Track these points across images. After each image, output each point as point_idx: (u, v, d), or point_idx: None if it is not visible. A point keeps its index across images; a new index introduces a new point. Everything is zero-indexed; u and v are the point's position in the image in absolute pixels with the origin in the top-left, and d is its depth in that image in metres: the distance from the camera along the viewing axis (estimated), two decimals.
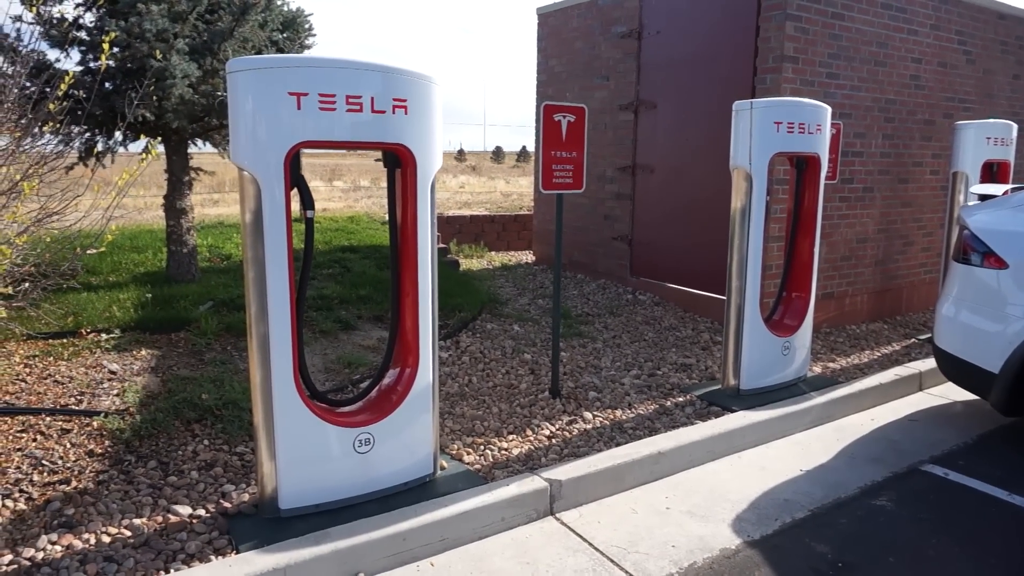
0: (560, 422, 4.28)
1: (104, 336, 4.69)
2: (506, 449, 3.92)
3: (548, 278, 8.15)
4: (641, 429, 4.25)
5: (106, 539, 2.94)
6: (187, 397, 3.93)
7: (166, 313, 5.08)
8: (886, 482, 3.94)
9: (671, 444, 3.98)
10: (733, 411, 4.53)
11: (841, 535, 3.38)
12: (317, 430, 3.13)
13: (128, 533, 2.98)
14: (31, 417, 3.68)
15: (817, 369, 5.45)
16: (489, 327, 5.89)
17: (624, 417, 4.41)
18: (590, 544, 3.27)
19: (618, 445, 4.00)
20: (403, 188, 3.34)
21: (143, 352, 4.60)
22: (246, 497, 3.26)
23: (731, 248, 4.70)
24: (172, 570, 2.78)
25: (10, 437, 3.52)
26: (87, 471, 3.35)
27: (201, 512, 3.15)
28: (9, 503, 3.09)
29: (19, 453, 3.40)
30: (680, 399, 4.74)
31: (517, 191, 22.34)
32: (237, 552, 2.90)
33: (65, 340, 4.60)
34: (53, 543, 2.89)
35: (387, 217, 12.57)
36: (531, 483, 3.49)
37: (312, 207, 3.15)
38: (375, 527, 3.07)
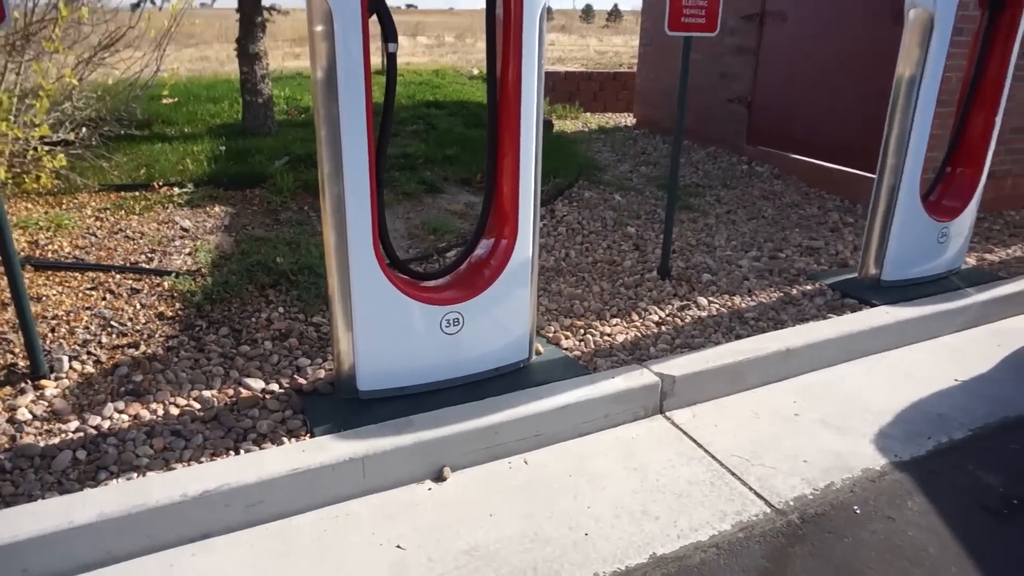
0: (670, 307, 3.77)
1: (176, 190, 4.38)
2: (609, 335, 3.46)
3: (650, 143, 7.37)
4: (764, 320, 3.69)
5: (174, 411, 2.69)
6: (261, 260, 3.61)
7: (240, 168, 4.72)
8: None
9: (801, 340, 3.42)
10: (873, 305, 3.89)
11: (1015, 465, 2.82)
12: (399, 306, 2.73)
13: (197, 406, 2.73)
14: (101, 274, 3.43)
15: (971, 261, 4.67)
16: (587, 195, 5.30)
17: (744, 305, 3.85)
18: (706, 451, 2.84)
19: (738, 338, 3.47)
20: (506, 21, 2.71)
21: (216, 209, 4.29)
22: (322, 373, 2.95)
23: (891, 116, 3.85)
24: (242, 450, 2.52)
25: (79, 294, 3.30)
26: (156, 335, 3.10)
27: (274, 387, 2.87)
28: (76, 365, 2.88)
29: (88, 312, 3.17)
30: (808, 287, 4.11)
31: (612, 49, 20.80)
32: (311, 435, 2.61)
33: (137, 193, 4.32)
34: (120, 411, 2.67)
35: (474, 72, 11.72)
36: (639, 376, 3.04)
37: (395, 39, 2.57)
38: (463, 417, 2.72)
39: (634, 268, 4.20)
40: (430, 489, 2.58)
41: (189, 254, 3.70)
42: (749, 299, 3.93)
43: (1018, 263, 4.67)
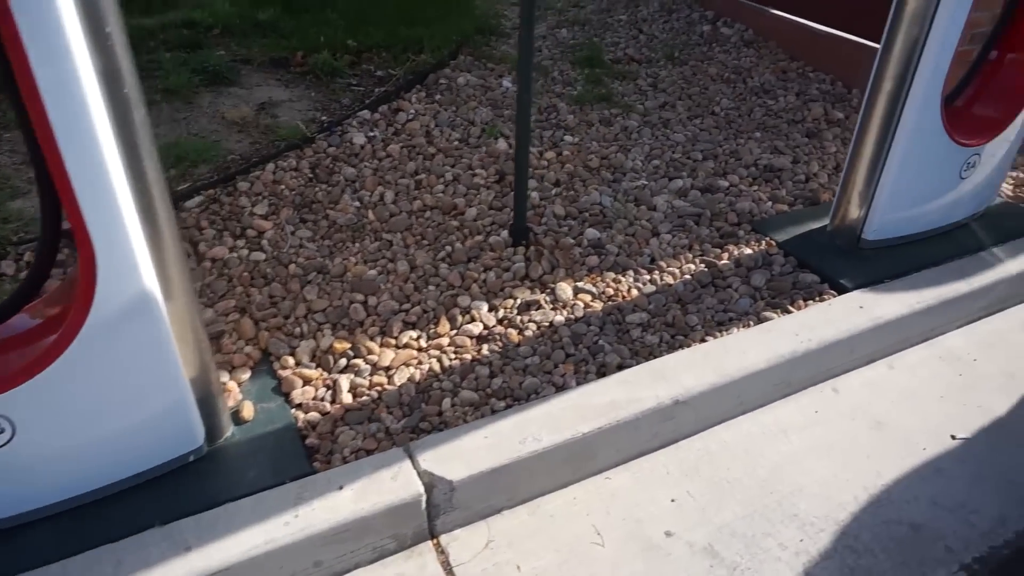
0: (510, 303, 2.36)
1: None
2: (386, 369, 2.10)
3: None
4: (658, 327, 2.30)
5: None
6: None
7: None
8: None
9: (698, 381, 2.05)
10: (839, 288, 2.47)
11: None
12: None
13: None
14: None
15: (1005, 187, 3.15)
16: (462, 81, 3.68)
17: (634, 294, 2.43)
18: None
19: (602, 372, 2.11)
20: None
21: None
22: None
23: None
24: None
25: None
26: None
27: None
28: None
29: None
30: (748, 249, 2.66)
31: None
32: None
33: None
34: None
35: None
36: (390, 483, 1.73)
37: None
38: None
39: (480, 221, 2.72)
40: None
41: None
42: (648, 279, 2.50)
43: None
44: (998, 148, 2.65)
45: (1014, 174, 3.26)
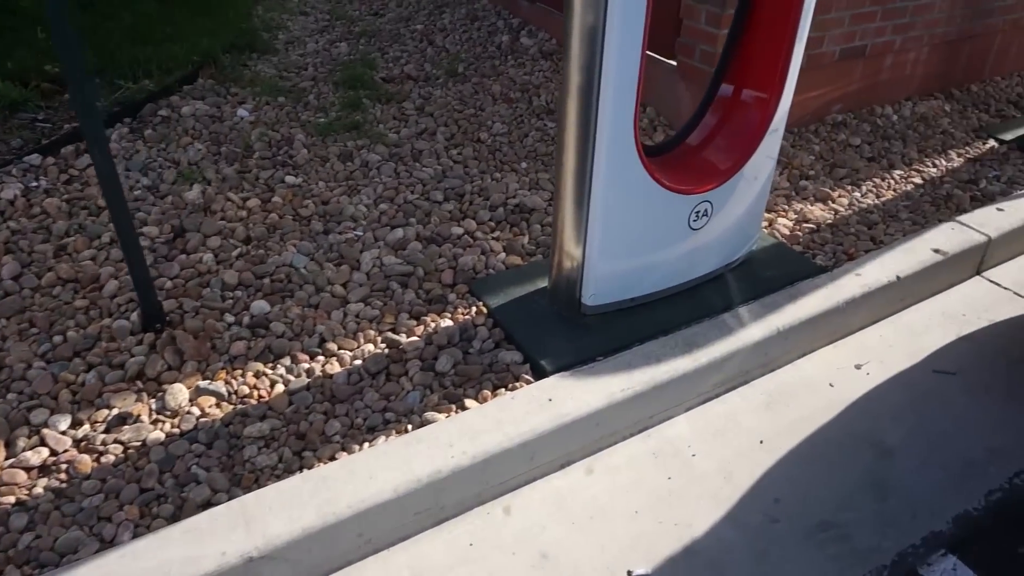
0: (107, 413, 1.87)
1: None
2: None
3: None
4: (280, 440, 1.84)
5: None
6: None
7: None
8: None
9: (298, 526, 1.60)
10: (541, 373, 2.05)
11: None
12: None
13: None
14: None
15: (783, 224, 2.77)
16: (189, 111, 3.15)
17: (277, 389, 1.96)
18: None
19: (179, 513, 1.64)
20: None
21: None
22: None
23: None
24: None
25: None
26: None
27: None
28: None
29: None
30: (449, 320, 2.22)
31: None
32: None
33: None
34: None
35: None
36: None
37: None
38: None
39: (118, 298, 2.20)
40: None
41: None
42: (305, 368, 2.04)
43: (861, 217, 2.78)
44: (738, 193, 2.26)
45: (799, 206, 2.90)
